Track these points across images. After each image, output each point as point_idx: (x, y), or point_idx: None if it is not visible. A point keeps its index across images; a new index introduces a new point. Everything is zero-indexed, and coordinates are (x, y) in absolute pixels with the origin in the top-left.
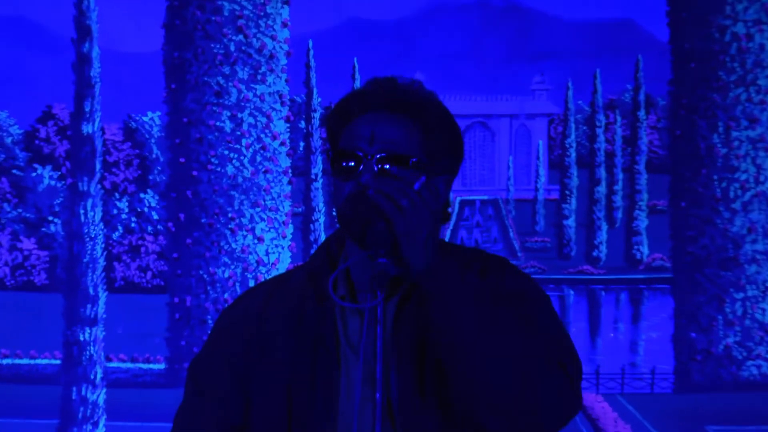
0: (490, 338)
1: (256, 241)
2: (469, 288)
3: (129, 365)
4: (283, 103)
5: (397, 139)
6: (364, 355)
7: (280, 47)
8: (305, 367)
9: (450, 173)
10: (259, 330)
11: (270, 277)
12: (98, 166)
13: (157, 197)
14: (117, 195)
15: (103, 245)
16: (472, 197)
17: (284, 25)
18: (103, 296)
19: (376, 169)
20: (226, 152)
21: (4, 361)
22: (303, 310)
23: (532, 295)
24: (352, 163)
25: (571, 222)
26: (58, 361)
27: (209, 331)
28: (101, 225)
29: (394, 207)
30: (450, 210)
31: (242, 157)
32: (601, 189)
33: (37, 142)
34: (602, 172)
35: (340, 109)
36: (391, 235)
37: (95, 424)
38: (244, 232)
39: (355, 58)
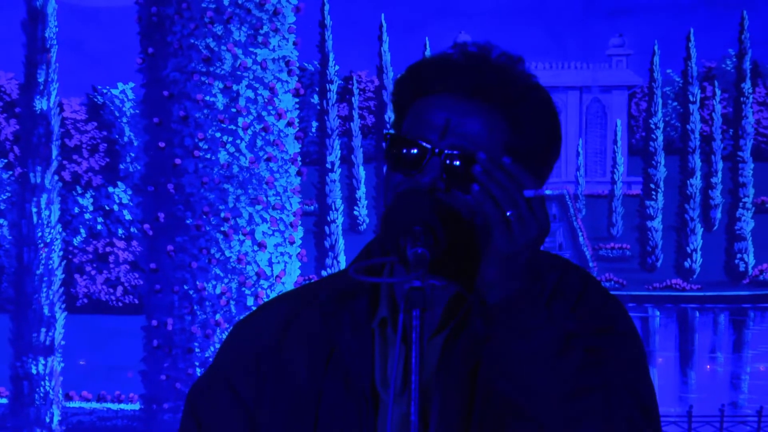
0: (567, 404)
1: (256, 247)
2: (553, 332)
3: (94, 405)
4: (290, 73)
5: (476, 135)
6: (397, 394)
7: (287, 1)
8: (334, 411)
9: (538, 179)
10: (277, 360)
11: (287, 290)
12: (55, 153)
13: (129, 192)
14: (79, 189)
15: (61, 253)
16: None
17: None
18: (61, 318)
19: (441, 168)
20: (218, 135)
21: None
22: (333, 340)
23: (621, 329)
24: (414, 156)
25: (657, 224)
26: (4, 400)
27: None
28: (59, 227)
29: (501, 215)
30: None
31: (238, 141)
32: (696, 182)
33: None
34: (697, 161)
35: (415, 77)
36: (436, 255)
37: None
38: (241, 237)
39: (383, 15)
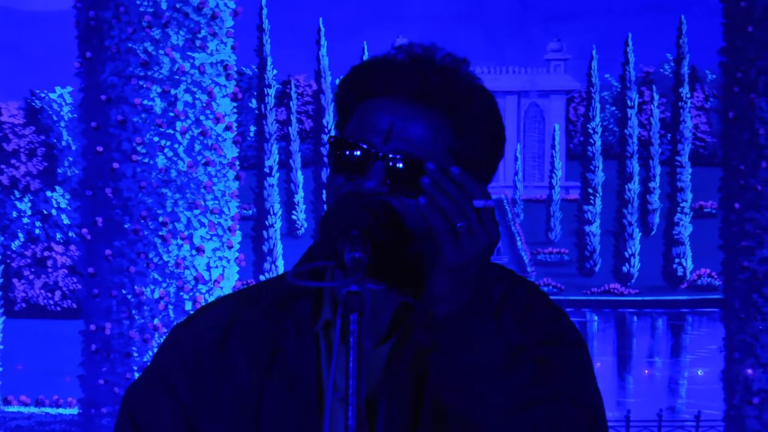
0: (514, 417)
1: (194, 252)
2: (501, 344)
3: (33, 410)
4: (228, 77)
5: (420, 139)
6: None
7: (225, 5)
8: (277, 414)
9: (482, 181)
10: (218, 361)
11: (228, 293)
12: None
13: (67, 196)
14: (17, 193)
15: None
16: None
17: None
18: None
19: (384, 173)
20: (156, 139)
21: None
22: (276, 342)
23: (568, 340)
24: (357, 159)
25: (595, 228)
26: None
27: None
28: None
29: (450, 227)
30: None
31: (176, 146)
32: (634, 187)
33: None
34: (635, 165)
35: (358, 79)
36: (374, 260)
37: None
38: (179, 241)
39: (321, 19)
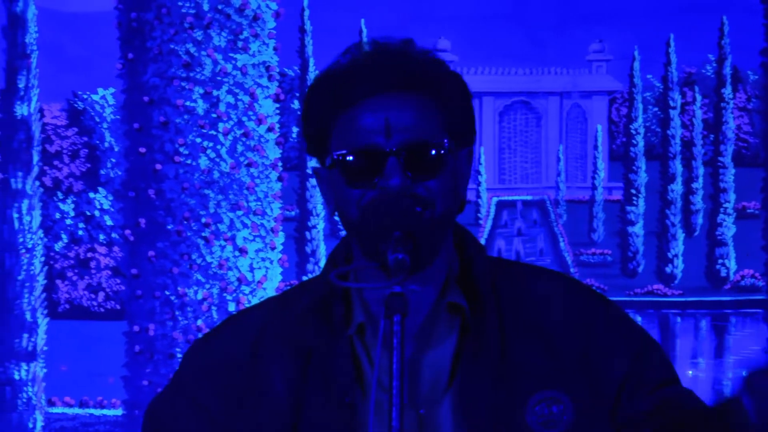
0: None
1: (237, 253)
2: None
3: (77, 411)
4: (270, 78)
5: (417, 125)
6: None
7: (267, 6)
8: (316, 420)
9: (470, 144)
10: (251, 371)
11: (260, 300)
12: (36, 158)
13: (110, 198)
14: (60, 195)
15: (42, 259)
16: (512, 198)
17: None
18: (43, 323)
19: (401, 166)
20: (199, 140)
21: None
22: (311, 347)
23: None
24: (370, 164)
25: (638, 229)
26: None
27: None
28: (40, 233)
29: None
30: (474, 204)
31: (219, 147)
32: (676, 187)
33: None
34: (677, 166)
35: (329, 95)
36: (416, 260)
37: None
38: (222, 242)
39: (363, 20)
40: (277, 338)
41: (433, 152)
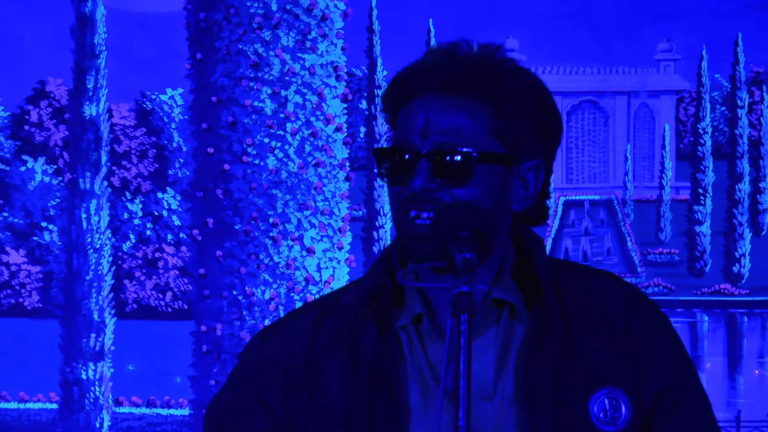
0: None
1: (304, 253)
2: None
3: (144, 411)
4: (338, 78)
5: (457, 128)
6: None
7: (336, 6)
8: (366, 414)
9: (539, 158)
10: (308, 370)
11: (316, 297)
12: (104, 159)
13: (178, 197)
14: (128, 195)
15: (110, 259)
16: (579, 197)
17: None
18: (110, 323)
19: (430, 170)
20: (267, 140)
21: None
22: (361, 340)
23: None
24: (403, 163)
25: (705, 229)
26: (54, 405)
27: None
28: (108, 233)
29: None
30: (547, 206)
31: (287, 147)
32: (744, 187)
33: (26, 127)
34: (745, 165)
35: (395, 87)
36: (485, 259)
37: None
38: (290, 242)
39: (431, 20)
40: (331, 333)
41: (460, 159)
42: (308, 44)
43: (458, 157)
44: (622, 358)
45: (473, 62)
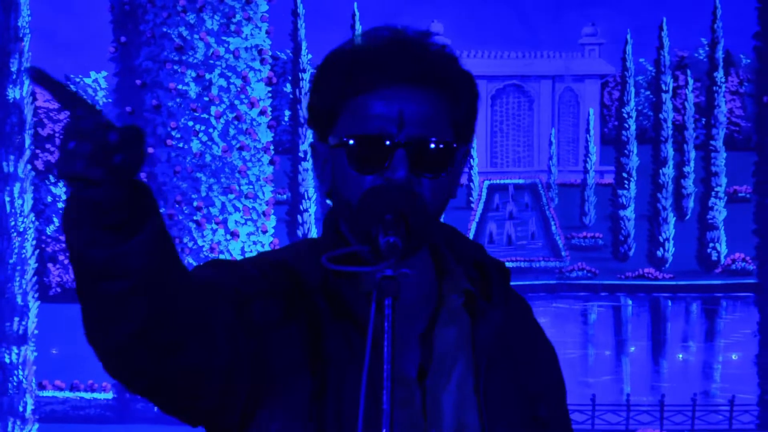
0: None
1: (228, 236)
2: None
3: (68, 394)
4: (263, 61)
5: (428, 120)
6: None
7: None
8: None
9: (469, 141)
10: (291, 297)
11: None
12: (28, 142)
13: None
14: (52, 178)
15: (34, 242)
16: (503, 181)
17: None
18: (34, 307)
19: (408, 160)
20: (191, 123)
21: None
22: (320, 321)
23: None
24: (379, 152)
25: (629, 213)
26: None
27: None
28: (32, 216)
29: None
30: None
31: (211, 130)
32: (668, 171)
33: None
34: (669, 150)
35: (345, 76)
36: (407, 244)
37: None
38: (214, 226)
39: (356, 4)
40: (313, 268)
41: (440, 150)
42: (233, 27)
43: (440, 148)
44: (538, 361)
45: (439, 56)
